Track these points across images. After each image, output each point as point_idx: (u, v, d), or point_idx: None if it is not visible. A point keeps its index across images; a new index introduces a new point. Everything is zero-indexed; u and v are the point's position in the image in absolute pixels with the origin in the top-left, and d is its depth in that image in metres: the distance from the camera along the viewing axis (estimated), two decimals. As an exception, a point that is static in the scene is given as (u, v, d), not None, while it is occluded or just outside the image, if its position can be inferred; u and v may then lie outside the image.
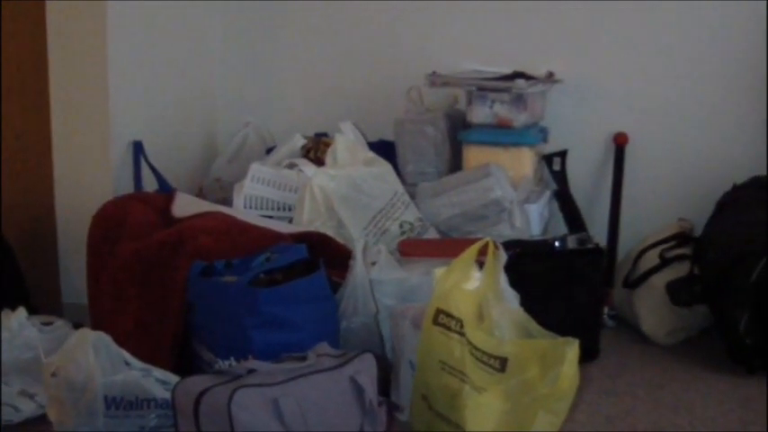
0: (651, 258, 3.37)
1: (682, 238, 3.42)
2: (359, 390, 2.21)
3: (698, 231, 3.40)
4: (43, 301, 3.25)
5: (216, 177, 3.83)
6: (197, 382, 2.14)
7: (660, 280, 3.28)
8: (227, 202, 3.32)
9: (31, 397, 2.66)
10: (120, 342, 2.47)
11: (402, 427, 2.60)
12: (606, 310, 3.43)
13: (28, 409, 2.64)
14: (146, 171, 3.50)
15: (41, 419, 2.53)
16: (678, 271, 3.27)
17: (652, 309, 3.30)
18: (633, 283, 3.37)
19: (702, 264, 3.20)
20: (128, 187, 3.43)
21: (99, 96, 3.35)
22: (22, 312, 2.81)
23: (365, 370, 2.26)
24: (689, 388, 2.94)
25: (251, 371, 2.17)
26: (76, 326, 2.80)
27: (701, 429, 2.66)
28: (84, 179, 3.40)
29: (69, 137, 3.39)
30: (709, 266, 3.17)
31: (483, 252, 2.50)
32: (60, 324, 2.90)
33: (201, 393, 2.08)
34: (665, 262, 3.32)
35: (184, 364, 2.65)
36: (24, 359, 2.72)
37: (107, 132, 3.37)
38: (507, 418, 2.33)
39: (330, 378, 2.20)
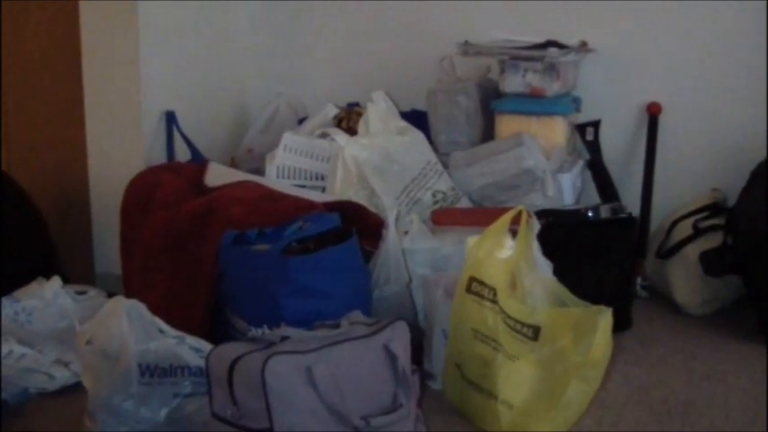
0: (684, 228, 3.35)
1: (715, 208, 3.41)
2: (392, 357, 2.21)
3: (731, 202, 3.37)
4: (77, 271, 3.27)
5: (248, 148, 3.83)
6: (231, 350, 2.14)
7: (693, 250, 3.27)
8: (260, 172, 3.32)
9: (66, 365, 2.68)
10: (153, 311, 2.47)
11: (435, 395, 2.60)
12: (639, 280, 3.43)
13: (63, 377, 2.67)
14: (178, 141, 3.50)
15: (76, 387, 2.54)
16: (711, 241, 3.25)
17: (685, 279, 3.29)
18: (666, 253, 3.35)
19: (736, 234, 3.18)
20: (161, 157, 3.44)
21: (131, 67, 3.36)
22: (56, 281, 2.83)
23: (398, 338, 2.25)
24: (721, 358, 2.94)
25: (284, 338, 2.17)
26: (110, 295, 2.82)
27: (733, 399, 2.66)
28: (117, 149, 3.41)
29: (102, 107, 3.40)
30: (742, 237, 3.15)
31: (516, 221, 2.50)
32: (94, 293, 2.92)
33: (235, 360, 2.08)
34: (698, 232, 3.31)
35: (217, 332, 2.66)
36: (59, 328, 2.75)
37: (140, 103, 3.38)
38: (540, 386, 2.33)
39: (363, 346, 2.19)
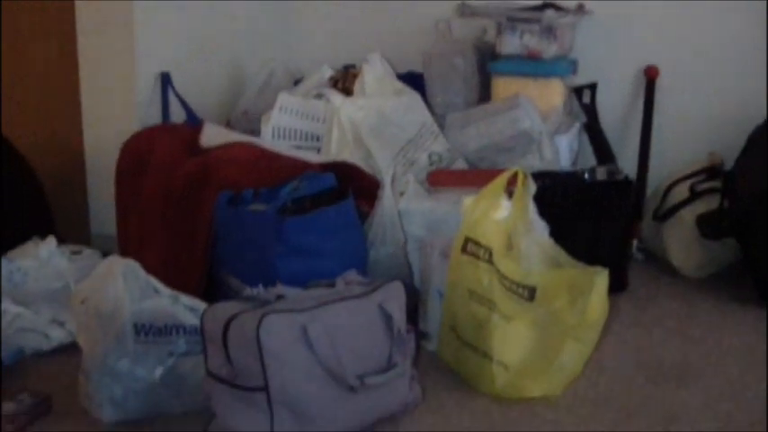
0: (681, 191, 3.35)
1: (712, 171, 3.40)
2: (387, 317, 2.21)
3: (729, 165, 3.36)
4: (72, 232, 3.26)
5: (243, 110, 3.81)
6: (225, 309, 2.14)
7: (690, 213, 3.26)
8: (255, 134, 3.30)
9: (61, 325, 2.67)
10: (149, 271, 2.46)
11: (430, 355, 2.60)
12: (635, 242, 3.42)
13: (58, 336, 2.67)
14: (174, 103, 3.49)
15: (72, 347, 2.53)
16: (708, 204, 3.24)
17: (681, 242, 3.28)
18: (663, 215, 3.35)
19: (733, 197, 3.18)
20: (156, 119, 3.42)
21: (126, 28, 3.33)
22: (51, 241, 2.82)
23: (393, 297, 2.25)
24: (717, 321, 2.94)
25: (279, 297, 2.17)
26: (105, 255, 2.81)
27: (728, 362, 2.66)
28: (111, 111, 3.39)
29: (96, 69, 3.38)
30: (738, 200, 3.14)
31: (512, 182, 2.49)
32: (89, 253, 2.91)
33: (230, 319, 2.08)
34: (694, 195, 3.30)
35: (212, 291, 2.66)
36: (54, 288, 2.74)
37: (134, 64, 3.36)
38: (535, 346, 2.34)
39: (358, 305, 2.19)
